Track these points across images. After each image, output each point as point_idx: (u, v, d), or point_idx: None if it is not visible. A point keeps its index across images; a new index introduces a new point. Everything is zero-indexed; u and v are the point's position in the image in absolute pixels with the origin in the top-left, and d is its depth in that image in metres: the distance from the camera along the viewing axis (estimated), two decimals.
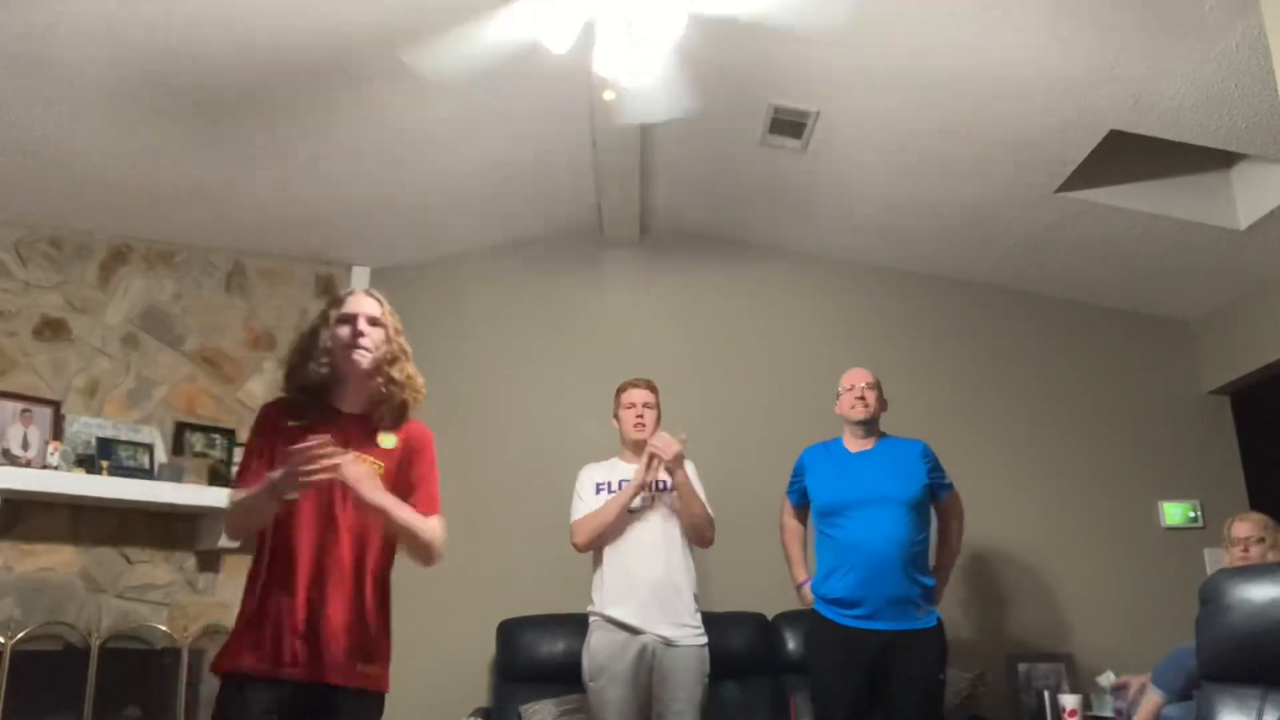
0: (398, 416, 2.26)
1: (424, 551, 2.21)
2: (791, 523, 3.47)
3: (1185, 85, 3.13)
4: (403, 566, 4.06)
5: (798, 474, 3.45)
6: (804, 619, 3.37)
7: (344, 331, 2.19)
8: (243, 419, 4.06)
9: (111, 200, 3.64)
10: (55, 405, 3.57)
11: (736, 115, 3.69)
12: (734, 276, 4.72)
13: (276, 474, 1.99)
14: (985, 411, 4.61)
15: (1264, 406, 4.67)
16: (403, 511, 2.16)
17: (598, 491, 3.32)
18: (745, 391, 4.55)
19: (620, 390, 3.45)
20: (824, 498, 3.29)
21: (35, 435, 3.44)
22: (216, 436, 3.95)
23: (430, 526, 2.21)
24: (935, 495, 3.33)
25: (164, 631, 3.60)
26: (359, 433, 2.21)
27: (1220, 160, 3.88)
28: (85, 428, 3.59)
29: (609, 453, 3.46)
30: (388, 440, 2.23)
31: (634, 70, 2.75)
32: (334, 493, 2.13)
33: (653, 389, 3.43)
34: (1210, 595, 2.03)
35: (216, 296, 4.14)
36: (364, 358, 2.18)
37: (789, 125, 3.71)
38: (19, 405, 3.45)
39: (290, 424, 2.15)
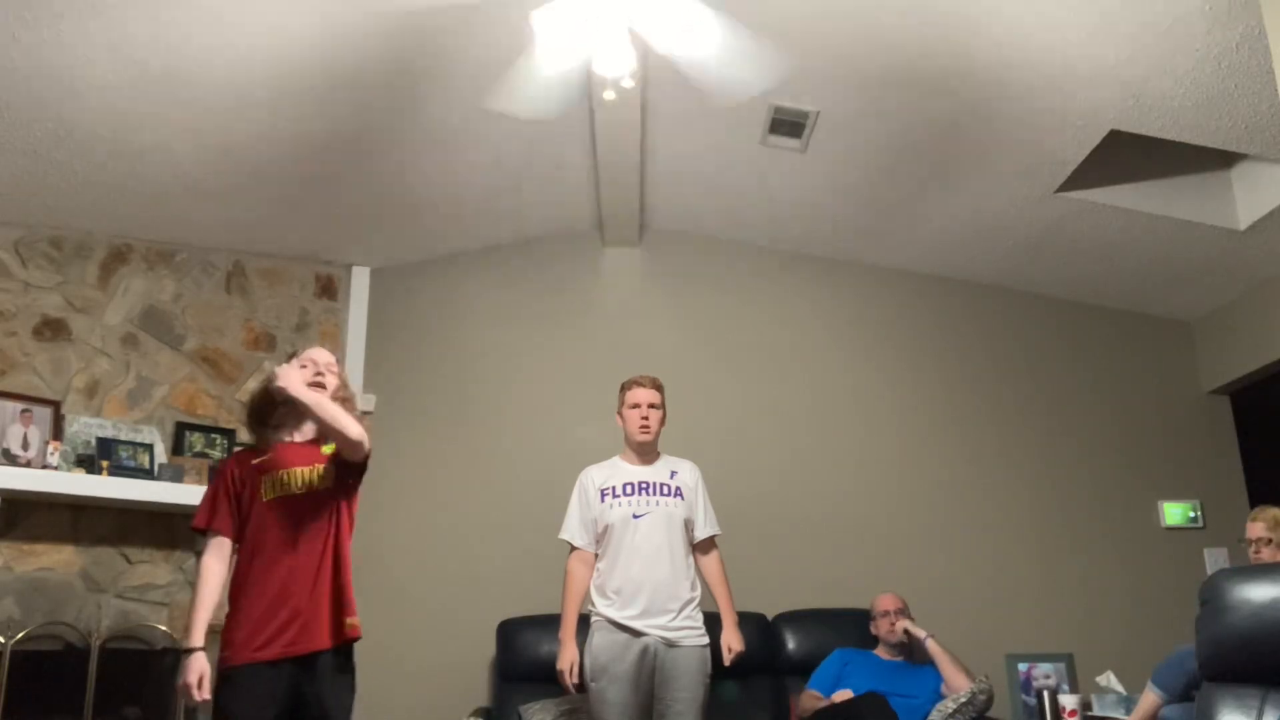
0: None
1: (349, 443, 2.57)
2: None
3: (1185, 85, 3.13)
4: (403, 565, 4.10)
5: (834, 668, 3.69)
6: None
7: (307, 373, 2.67)
8: (242, 419, 4.06)
9: (111, 200, 3.64)
10: (55, 405, 3.56)
11: (736, 115, 3.69)
12: (734, 276, 4.72)
13: None
14: (984, 411, 4.61)
15: (1264, 406, 4.67)
16: (328, 407, 2.56)
17: (603, 499, 3.31)
18: (746, 391, 4.55)
19: (625, 387, 3.39)
20: (859, 688, 3.55)
21: (35, 435, 3.44)
22: (216, 436, 3.95)
23: (351, 419, 2.60)
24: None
25: (164, 631, 3.59)
26: (310, 450, 2.69)
27: (1220, 160, 3.88)
28: (85, 428, 3.59)
29: (609, 453, 3.45)
30: (329, 448, 2.72)
31: (633, 70, 2.75)
32: None
33: (659, 387, 3.38)
34: (1210, 595, 2.03)
35: (216, 296, 4.14)
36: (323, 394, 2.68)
37: (789, 125, 3.70)
38: (19, 405, 3.45)
39: (254, 461, 2.64)
